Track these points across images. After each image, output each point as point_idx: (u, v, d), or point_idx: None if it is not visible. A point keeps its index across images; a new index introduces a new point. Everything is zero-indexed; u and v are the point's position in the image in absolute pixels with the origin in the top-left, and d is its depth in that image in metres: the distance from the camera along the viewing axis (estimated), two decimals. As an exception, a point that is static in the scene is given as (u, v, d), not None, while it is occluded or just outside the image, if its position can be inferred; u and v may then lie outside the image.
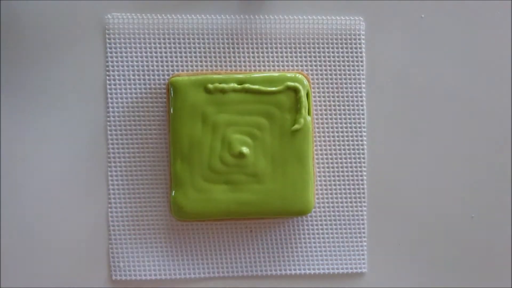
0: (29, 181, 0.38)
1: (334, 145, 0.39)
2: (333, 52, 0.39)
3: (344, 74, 0.39)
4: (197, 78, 0.36)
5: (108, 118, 0.38)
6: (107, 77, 0.38)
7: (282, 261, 0.39)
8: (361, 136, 0.39)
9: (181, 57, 0.38)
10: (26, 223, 0.38)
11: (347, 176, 0.39)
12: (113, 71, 0.38)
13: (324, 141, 0.39)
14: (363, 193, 0.39)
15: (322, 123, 0.39)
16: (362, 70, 0.39)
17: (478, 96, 0.40)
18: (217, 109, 0.36)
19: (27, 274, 0.38)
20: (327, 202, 0.39)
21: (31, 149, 0.38)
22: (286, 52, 0.39)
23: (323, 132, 0.39)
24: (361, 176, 0.39)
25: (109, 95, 0.38)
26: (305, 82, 0.37)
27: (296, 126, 0.36)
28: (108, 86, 0.38)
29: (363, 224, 0.39)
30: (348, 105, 0.39)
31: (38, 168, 0.38)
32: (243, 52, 0.39)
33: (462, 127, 0.40)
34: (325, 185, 0.39)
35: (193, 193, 0.36)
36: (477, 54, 0.40)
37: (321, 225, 0.39)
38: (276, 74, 0.37)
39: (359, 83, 0.39)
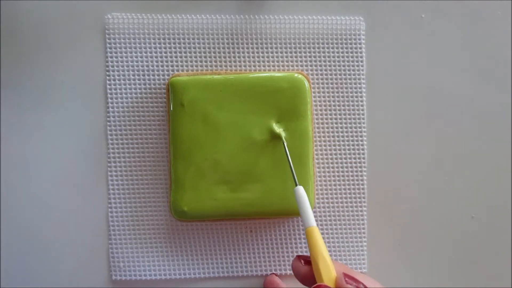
0: (29, 181, 0.38)
1: (334, 145, 0.39)
2: (333, 52, 0.39)
3: (344, 74, 0.39)
4: (197, 78, 0.36)
5: (108, 118, 0.38)
6: (107, 77, 0.38)
7: (282, 261, 0.39)
8: (361, 136, 0.39)
9: (181, 57, 0.38)
10: (26, 223, 0.38)
11: (347, 176, 0.39)
12: (113, 71, 0.38)
13: (324, 141, 0.39)
14: (363, 193, 0.40)
15: (322, 123, 0.39)
16: (362, 70, 0.39)
17: (478, 95, 0.40)
18: (217, 109, 0.36)
19: (27, 274, 0.38)
20: (327, 202, 0.39)
21: (31, 149, 0.38)
22: (286, 52, 0.39)
23: (323, 132, 0.39)
24: (361, 176, 0.39)
25: (109, 95, 0.38)
26: (305, 82, 0.36)
27: (296, 126, 0.36)
28: (108, 86, 0.38)
29: (363, 224, 0.39)
30: (348, 105, 0.39)
31: (38, 168, 0.38)
32: (243, 52, 0.39)
33: (462, 126, 0.40)
34: (325, 185, 0.39)
35: (193, 193, 0.36)
36: (477, 54, 0.40)
37: (321, 225, 0.39)
38: (276, 74, 0.37)
39: (359, 83, 0.39)
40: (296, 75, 0.37)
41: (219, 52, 0.39)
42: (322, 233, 0.39)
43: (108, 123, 0.38)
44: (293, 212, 0.37)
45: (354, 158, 0.39)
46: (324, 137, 0.39)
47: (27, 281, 0.38)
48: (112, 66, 0.38)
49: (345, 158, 0.39)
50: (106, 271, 0.39)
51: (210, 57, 0.39)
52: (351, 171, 0.39)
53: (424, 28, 0.40)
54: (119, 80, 0.38)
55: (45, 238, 0.38)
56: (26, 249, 0.38)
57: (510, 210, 0.41)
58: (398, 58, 0.40)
